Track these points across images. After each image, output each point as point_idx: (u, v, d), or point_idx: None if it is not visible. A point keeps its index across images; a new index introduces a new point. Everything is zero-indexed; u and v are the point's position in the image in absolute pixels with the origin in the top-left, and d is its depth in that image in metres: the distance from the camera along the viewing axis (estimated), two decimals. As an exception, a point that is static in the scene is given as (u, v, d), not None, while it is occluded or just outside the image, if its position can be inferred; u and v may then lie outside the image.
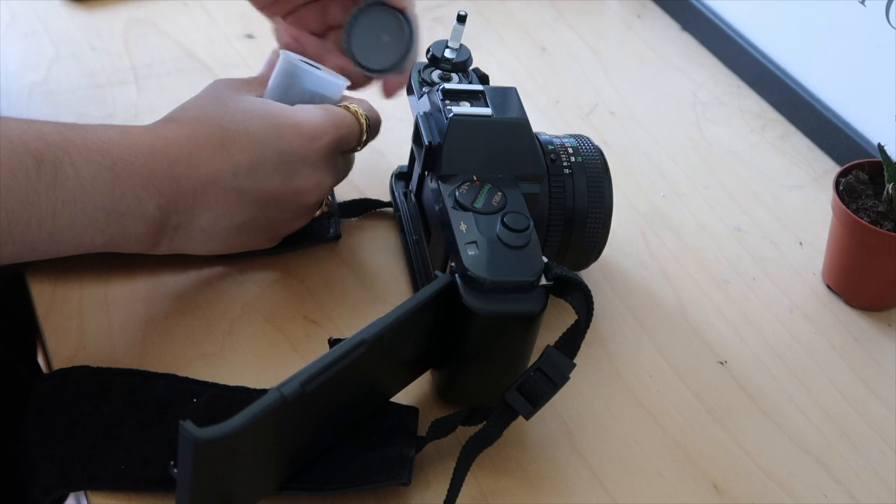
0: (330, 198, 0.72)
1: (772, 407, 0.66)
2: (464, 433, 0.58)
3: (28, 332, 0.69)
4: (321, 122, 0.64)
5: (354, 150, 0.67)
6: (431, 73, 0.69)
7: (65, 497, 0.60)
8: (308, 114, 0.64)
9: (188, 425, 0.46)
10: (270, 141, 0.62)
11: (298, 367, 0.51)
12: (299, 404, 0.50)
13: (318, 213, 0.70)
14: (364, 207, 0.74)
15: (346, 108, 0.66)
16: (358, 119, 0.66)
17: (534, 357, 0.57)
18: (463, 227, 0.58)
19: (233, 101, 0.63)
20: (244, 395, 0.60)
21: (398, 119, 0.79)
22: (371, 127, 0.67)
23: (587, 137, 0.69)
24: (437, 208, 0.62)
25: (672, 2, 0.99)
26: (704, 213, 0.79)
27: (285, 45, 0.71)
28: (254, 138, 0.62)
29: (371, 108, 0.68)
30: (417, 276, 0.68)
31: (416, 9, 0.96)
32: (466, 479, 0.57)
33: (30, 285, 0.66)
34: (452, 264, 0.57)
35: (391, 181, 0.75)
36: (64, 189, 0.56)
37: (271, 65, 0.68)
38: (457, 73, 0.69)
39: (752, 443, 0.63)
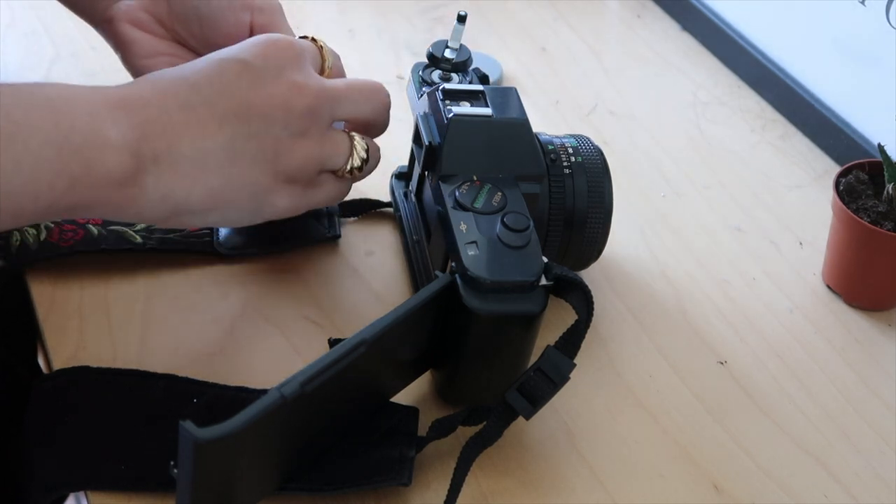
0: (362, 150, 0.63)
1: (772, 407, 0.66)
2: (464, 433, 0.58)
3: (28, 332, 0.69)
4: (272, 35, 0.61)
5: (322, 72, 0.63)
6: (431, 73, 0.69)
7: (65, 497, 0.60)
8: (259, 35, 0.62)
9: (188, 425, 0.46)
10: (226, 54, 0.58)
11: (298, 367, 0.51)
12: (299, 404, 0.50)
13: (347, 167, 0.63)
14: (364, 207, 0.74)
15: (306, 37, 0.65)
16: (316, 43, 0.64)
17: (534, 357, 0.57)
18: (463, 227, 0.58)
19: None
20: (244, 395, 0.60)
21: (398, 119, 0.79)
22: (331, 57, 0.64)
23: (587, 137, 0.69)
24: (437, 208, 0.62)
25: (672, 2, 0.99)
26: (704, 213, 0.79)
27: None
28: (209, 57, 0.59)
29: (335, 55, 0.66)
30: (417, 276, 0.68)
31: (417, 9, 0.96)
32: (467, 479, 0.56)
33: (30, 285, 0.66)
34: (452, 264, 0.57)
35: (391, 181, 0.75)
36: None
37: None
38: (457, 73, 0.69)
39: (752, 443, 0.63)
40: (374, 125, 0.65)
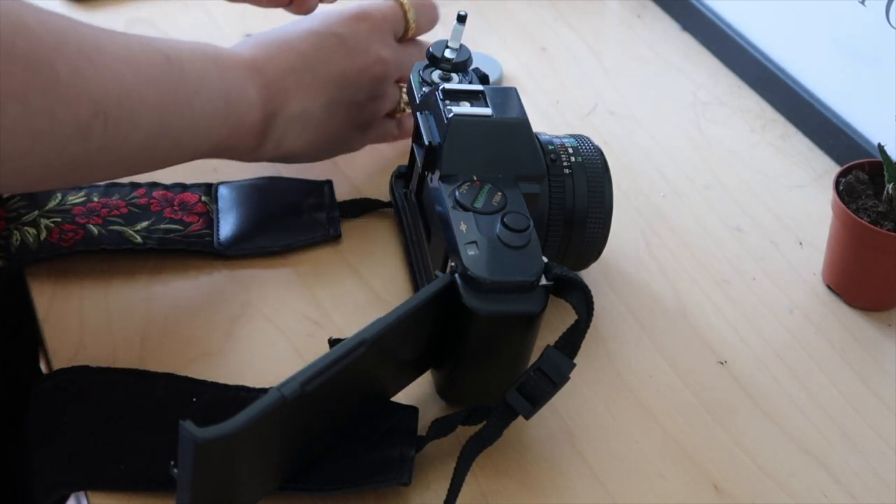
0: (404, 103, 0.76)
1: (772, 407, 0.66)
2: (464, 433, 0.58)
3: (28, 332, 0.69)
4: (364, 7, 0.73)
5: (407, 33, 0.75)
6: (431, 73, 0.69)
7: (65, 497, 0.60)
8: (353, 5, 0.73)
9: (188, 425, 0.46)
10: (325, 30, 0.71)
11: (298, 367, 0.51)
12: (299, 404, 0.50)
13: (399, 110, 0.76)
14: (364, 207, 0.74)
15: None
16: (402, 6, 0.74)
17: (534, 357, 0.57)
18: (463, 227, 0.58)
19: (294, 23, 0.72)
20: (244, 395, 0.60)
21: (398, 119, 0.79)
22: (419, 13, 0.75)
23: (587, 137, 0.69)
24: (437, 208, 0.62)
25: (672, 2, 0.99)
26: (704, 213, 0.79)
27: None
28: (312, 31, 0.70)
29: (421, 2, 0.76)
30: (417, 276, 0.68)
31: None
32: (466, 479, 0.57)
33: (30, 285, 0.66)
34: (452, 264, 0.57)
35: (391, 181, 0.75)
36: (189, 81, 0.62)
37: None
38: (457, 73, 0.69)
39: (752, 443, 0.63)
40: None
